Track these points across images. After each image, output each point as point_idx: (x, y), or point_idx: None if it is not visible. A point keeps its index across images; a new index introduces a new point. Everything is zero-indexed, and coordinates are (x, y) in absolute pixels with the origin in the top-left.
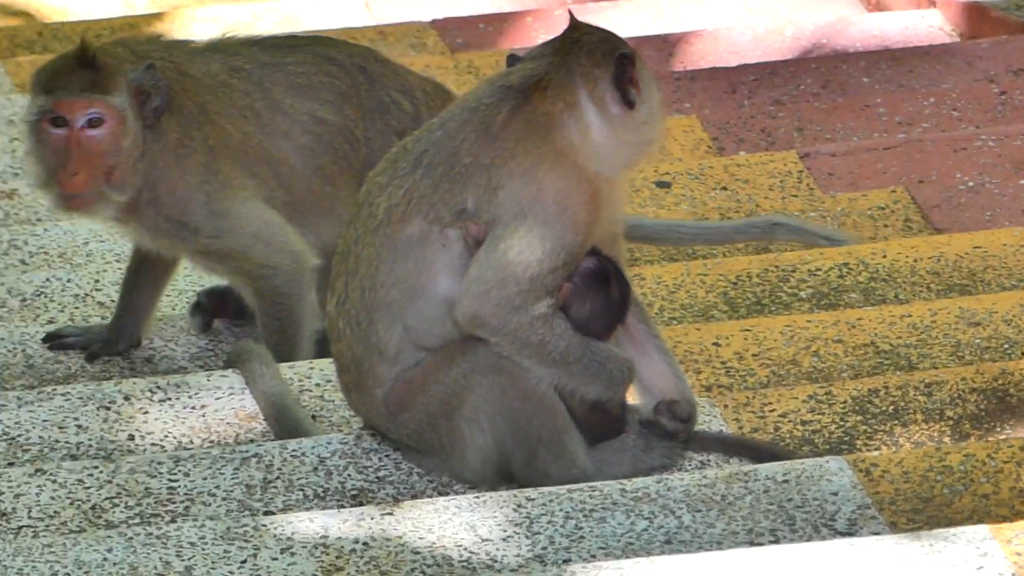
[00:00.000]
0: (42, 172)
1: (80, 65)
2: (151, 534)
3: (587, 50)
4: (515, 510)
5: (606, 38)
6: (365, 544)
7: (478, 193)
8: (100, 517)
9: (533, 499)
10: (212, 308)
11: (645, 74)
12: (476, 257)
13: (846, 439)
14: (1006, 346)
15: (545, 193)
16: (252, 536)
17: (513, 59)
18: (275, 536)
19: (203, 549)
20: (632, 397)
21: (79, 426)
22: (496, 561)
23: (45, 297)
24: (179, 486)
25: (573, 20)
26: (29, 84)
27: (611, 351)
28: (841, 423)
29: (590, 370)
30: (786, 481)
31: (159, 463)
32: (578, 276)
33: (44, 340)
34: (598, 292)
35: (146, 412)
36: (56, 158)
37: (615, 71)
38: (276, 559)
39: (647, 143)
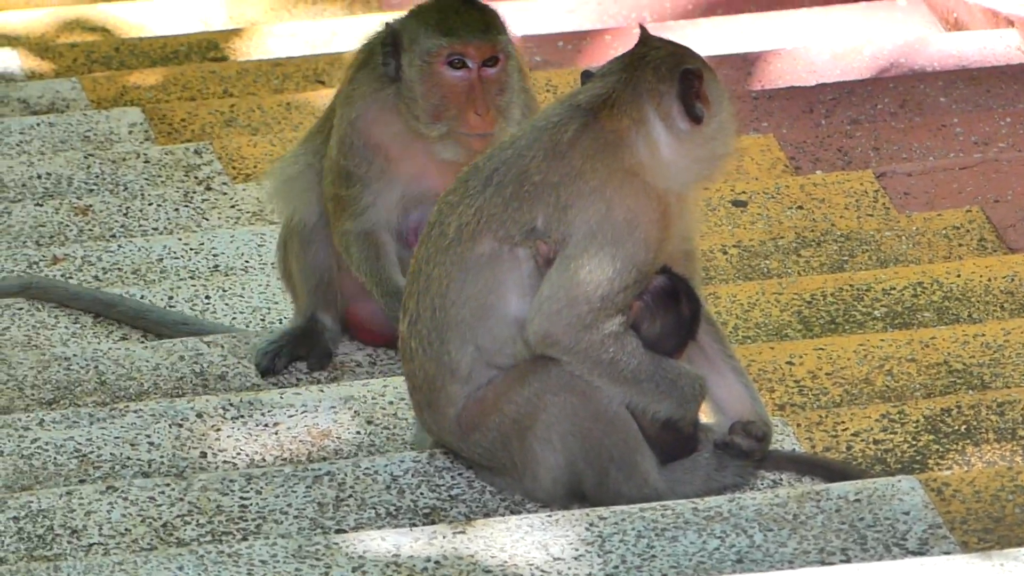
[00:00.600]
0: (436, 112)
1: (468, 7)
2: (222, 552)
3: (653, 66)
4: (587, 529)
5: (674, 52)
6: (437, 563)
7: (547, 212)
8: (171, 535)
9: (605, 518)
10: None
11: (715, 88)
12: (547, 276)
13: (918, 458)
14: None
15: (614, 211)
16: (324, 554)
17: (587, 75)
18: (347, 554)
19: (275, 567)
20: (706, 417)
21: (151, 443)
22: None
23: None
24: (251, 504)
25: (643, 36)
26: (412, 26)
27: (683, 369)
28: (913, 442)
29: (661, 388)
30: (858, 500)
31: (231, 481)
32: (648, 294)
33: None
34: (668, 310)
35: (218, 430)
36: (455, 99)
37: (680, 86)
38: None
39: (718, 158)
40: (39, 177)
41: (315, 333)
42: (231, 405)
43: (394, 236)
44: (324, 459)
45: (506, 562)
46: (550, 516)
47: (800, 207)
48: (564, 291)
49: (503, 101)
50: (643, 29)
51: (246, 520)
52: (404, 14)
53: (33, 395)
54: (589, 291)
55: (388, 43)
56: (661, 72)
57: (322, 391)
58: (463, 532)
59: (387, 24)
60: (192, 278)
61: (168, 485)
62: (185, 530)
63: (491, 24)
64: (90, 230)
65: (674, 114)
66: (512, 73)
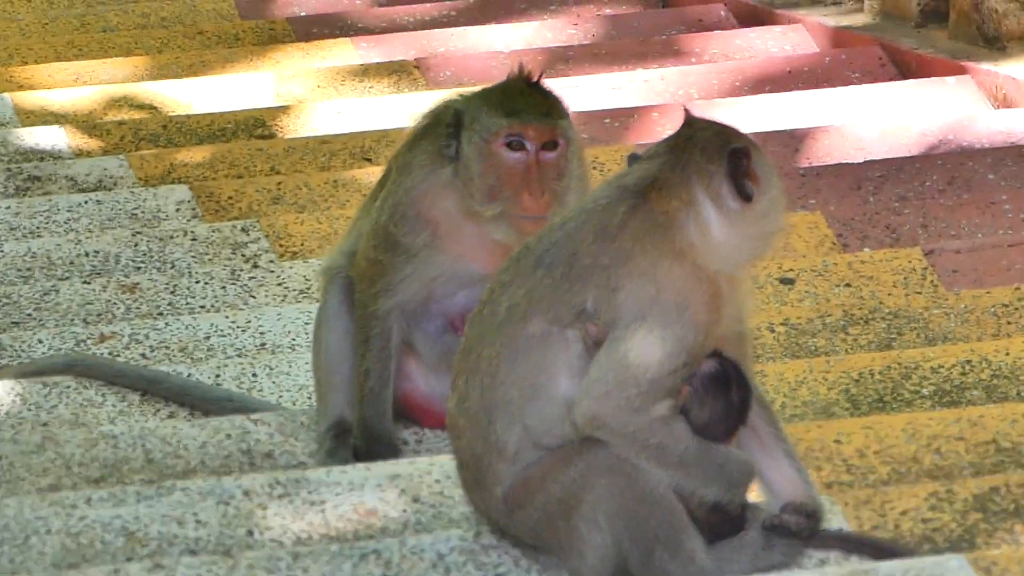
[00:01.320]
0: (492, 192)
1: (532, 90)
2: None
3: (700, 147)
4: None
5: (720, 132)
6: None
7: (597, 294)
8: None
9: None
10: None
11: (763, 165)
12: (596, 358)
13: (967, 537)
14: None
15: (665, 293)
16: None
17: (633, 158)
18: None
19: None
20: (754, 495)
21: (198, 521)
22: None
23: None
24: None
25: (688, 116)
26: (474, 106)
27: (731, 453)
28: (962, 521)
29: (709, 473)
30: None
31: (278, 559)
32: (697, 380)
33: None
34: (718, 396)
35: (265, 507)
36: (511, 180)
37: (729, 165)
38: None
39: (769, 235)
40: (87, 255)
41: (346, 437)
42: (278, 483)
43: (425, 317)
44: (370, 537)
45: None
46: None
47: (848, 284)
48: (613, 373)
49: (560, 186)
50: (687, 111)
51: None
52: (461, 93)
53: (80, 473)
54: (638, 373)
55: (452, 124)
56: (709, 152)
57: (368, 469)
58: None
59: (453, 106)
60: (239, 356)
61: (215, 563)
62: None
63: (552, 109)
64: (137, 308)
65: (724, 194)
66: (572, 159)
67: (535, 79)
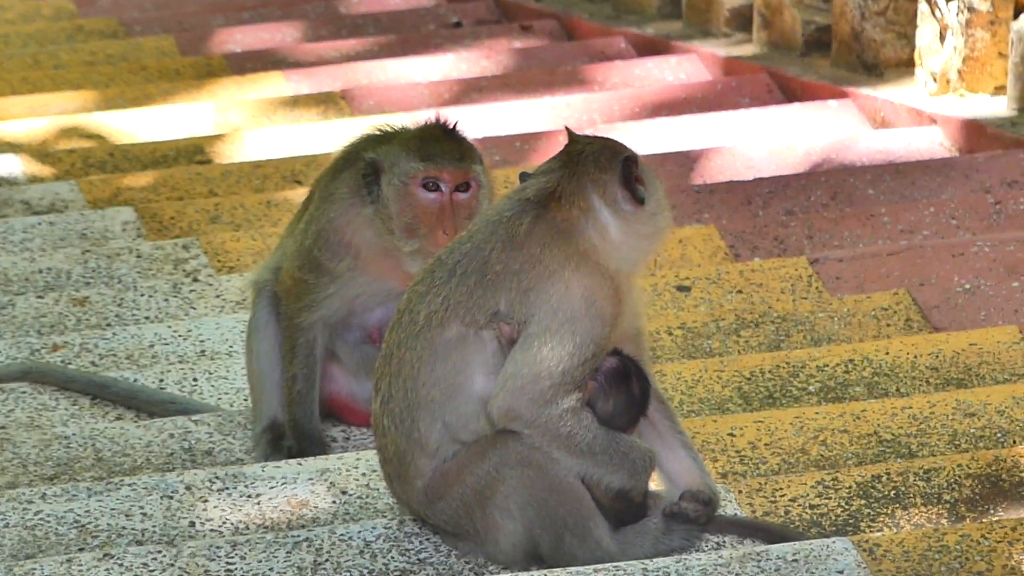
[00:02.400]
0: (410, 229)
1: (448, 136)
2: None
3: (592, 159)
4: None
5: (606, 145)
6: None
7: (510, 296)
8: None
9: None
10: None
11: (647, 171)
12: (511, 355)
13: (851, 521)
14: (999, 435)
15: (572, 291)
16: None
17: (525, 176)
18: None
19: None
20: (655, 485)
21: (144, 514)
22: None
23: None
24: (236, 569)
25: (572, 135)
26: (394, 151)
27: (634, 442)
28: (846, 507)
29: (614, 460)
30: (795, 560)
31: (217, 548)
32: (601, 375)
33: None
34: (620, 389)
35: (206, 501)
36: (427, 219)
37: (621, 173)
38: None
39: (660, 232)
40: (40, 272)
41: (280, 437)
42: (217, 478)
43: (345, 329)
44: (303, 526)
45: None
46: None
47: (740, 291)
48: (528, 367)
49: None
50: (569, 131)
51: None
52: (379, 128)
53: (36, 471)
54: (552, 366)
55: (368, 174)
56: (601, 163)
57: (300, 464)
58: None
59: (367, 156)
60: (181, 362)
61: (160, 552)
62: None
63: (466, 154)
64: (87, 319)
65: (619, 199)
66: (483, 200)
67: (451, 126)
